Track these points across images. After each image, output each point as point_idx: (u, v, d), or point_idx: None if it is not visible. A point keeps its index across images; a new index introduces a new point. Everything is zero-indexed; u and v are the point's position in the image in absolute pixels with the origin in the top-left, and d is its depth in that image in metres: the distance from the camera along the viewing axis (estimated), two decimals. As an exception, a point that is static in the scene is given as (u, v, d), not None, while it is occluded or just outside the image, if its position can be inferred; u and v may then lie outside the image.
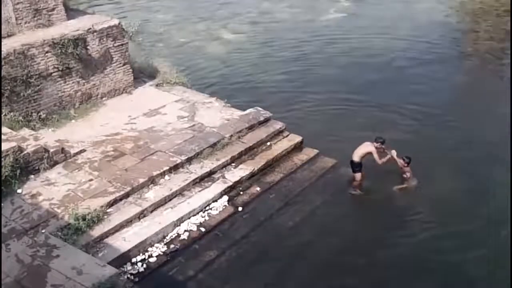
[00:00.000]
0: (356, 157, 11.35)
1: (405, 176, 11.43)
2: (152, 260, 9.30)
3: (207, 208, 10.46)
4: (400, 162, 11.26)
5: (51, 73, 12.08)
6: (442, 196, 11.09)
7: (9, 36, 11.82)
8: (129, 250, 9.21)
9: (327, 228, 10.34)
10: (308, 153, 12.40)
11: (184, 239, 9.80)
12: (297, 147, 12.48)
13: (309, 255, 9.69)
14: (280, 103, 14.57)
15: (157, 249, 9.50)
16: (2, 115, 11.11)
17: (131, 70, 13.74)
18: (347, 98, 15.25)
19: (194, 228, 10.03)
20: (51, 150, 10.61)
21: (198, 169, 11.02)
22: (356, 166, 11.42)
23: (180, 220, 10.03)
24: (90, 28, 12.56)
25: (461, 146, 12.82)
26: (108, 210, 9.72)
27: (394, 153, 11.29)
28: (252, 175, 11.37)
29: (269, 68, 17.50)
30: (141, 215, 9.86)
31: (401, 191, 11.37)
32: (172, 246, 9.62)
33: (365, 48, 18.94)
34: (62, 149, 10.89)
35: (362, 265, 9.46)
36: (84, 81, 12.77)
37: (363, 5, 23.86)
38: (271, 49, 19.18)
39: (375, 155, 11.17)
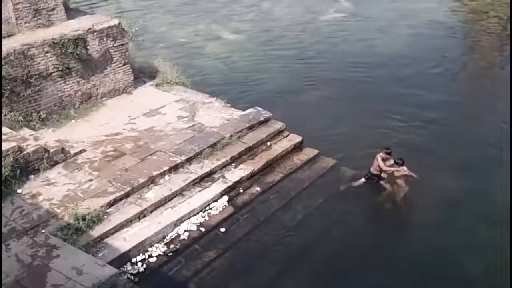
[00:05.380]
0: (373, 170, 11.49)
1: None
2: (152, 260, 9.30)
3: (207, 208, 10.46)
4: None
5: (51, 73, 12.08)
6: (442, 196, 11.09)
7: (9, 36, 11.82)
8: (129, 250, 9.21)
9: (327, 228, 10.34)
10: (308, 153, 12.40)
11: (184, 239, 9.80)
12: (297, 147, 12.47)
13: (309, 255, 9.69)
14: (280, 103, 14.58)
15: (157, 249, 9.50)
16: (2, 115, 11.12)
17: (131, 70, 13.73)
18: (347, 98, 15.27)
19: (194, 228, 10.03)
20: (51, 150, 10.61)
21: (198, 169, 11.02)
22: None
23: (180, 220, 10.02)
24: (90, 28, 12.55)
25: (461, 146, 12.83)
26: (108, 210, 9.72)
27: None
28: (252, 175, 11.36)
29: (269, 68, 17.50)
30: (141, 215, 9.86)
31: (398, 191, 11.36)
32: (172, 246, 9.62)
33: (365, 48, 18.95)
34: (62, 149, 10.88)
35: (362, 265, 9.47)
36: (84, 81, 12.77)
37: (363, 5, 23.85)
38: (271, 49, 19.18)
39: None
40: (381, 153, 11.32)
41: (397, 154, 11.47)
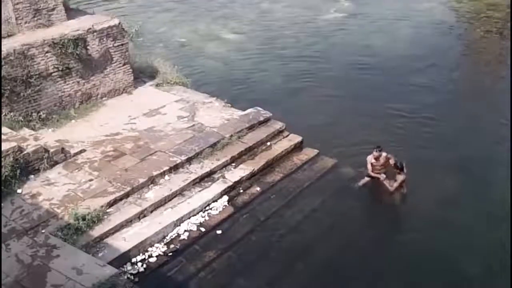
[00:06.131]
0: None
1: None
2: (152, 260, 9.30)
3: (207, 208, 10.46)
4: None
5: (51, 73, 12.08)
6: (441, 196, 11.08)
7: (9, 36, 11.82)
8: (129, 250, 9.21)
9: (327, 228, 10.33)
10: (308, 153, 12.39)
11: (184, 239, 9.80)
12: (297, 147, 12.47)
13: (309, 255, 9.68)
14: (280, 103, 14.56)
15: (157, 249, 9.49)
16: (2, 115, 11.12)
17: (131, 70, 13.74)
18: (347, 98, 15.26)
19: (194, 228, 10.03)
20: (51, 150, 10.61)
21: (198, 169, 11.02)
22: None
23: (180, 220, 10.03)
24: (90, 28, 12.56)
25: (461, 145, 12.81)
26: (108, 210, 9.72)
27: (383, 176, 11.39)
28: (252, 175, 11.36)
29: (269, 68, 17.50)
30: (141, 215, 9.86)
31: (396, 190, 11.34)
32: (172, 246, 9.62)
33: (366, 48, 18.94)
34: (62, 149, 10.89)
35: (362, 265, 9.46)
36: (84, 81, 12.77)
37: (363, 5, 23.86)
38: (271, 49, 19.18)
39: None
40: (374, 152, 11.30)
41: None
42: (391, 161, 11.30)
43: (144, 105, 13.18)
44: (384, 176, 11.32)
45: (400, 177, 11.18)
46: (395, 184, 11.21)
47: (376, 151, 11.25)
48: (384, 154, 11.30)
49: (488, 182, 11.48)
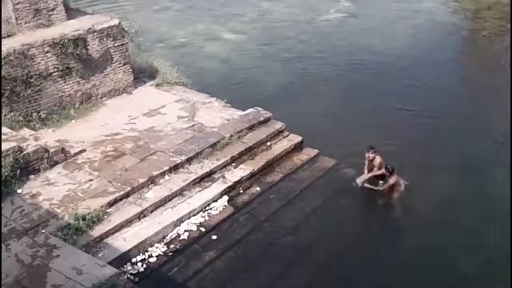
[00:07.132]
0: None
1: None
2: (152, 260, 9.30)
3: (207, 208, 10.46)
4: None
5: (51, 73, 12.08)
6: (441, 197, 11.09)
7: (9, 36, 11.82)
8: (129, 250, 9.22)
9: (327, 228, 10.34)
10: (308, 153, 12.40)
11: (184, 239, 9.81)
12: (297, 147, 12.48)
13: (309, 256, 9.69)
14: (280, 103, 14.55)
15: (157, 249, 9.50)
16: (2, 115, 11.12)
17: (131, 70, 13.74)
18: (348, 98, 15.26)
19: (194, 228, 10.03)
20: (51, 150, 10.62)
21: (198, 169, 11.02)
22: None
23: (180, 220, 10.03)
24: (90, 28, 12.56)
25: (461, 145, 12.81)
26: (108, 210, 9.72)
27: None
28: (252, 175, 11.37)
29: (269, 68, 17.50)
30: (141, 215, 9.86)
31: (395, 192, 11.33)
32: (172, 246, 9.62)
33: (366, 48, 18.93)
34: (62, 149, 10.89)
35: (361, 265, 9.46)
36: (84, 81, 12.77)
37: (364, 5, 23.85)
38: (271, 49, 19.17)
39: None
40: (368, 154, 11.27)
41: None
42: (376, 164, 11.25)
43: (144, 105, 13.18)
44: (382, 182, 11.32)
45: (391, 180, 11.15)
46: (385, 185, 11.19)
47: (371, 153, 11.22)
48: (378, 157, 11.26)
49: (488, 182, 11.46)
